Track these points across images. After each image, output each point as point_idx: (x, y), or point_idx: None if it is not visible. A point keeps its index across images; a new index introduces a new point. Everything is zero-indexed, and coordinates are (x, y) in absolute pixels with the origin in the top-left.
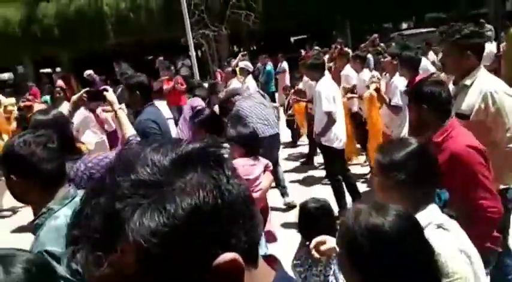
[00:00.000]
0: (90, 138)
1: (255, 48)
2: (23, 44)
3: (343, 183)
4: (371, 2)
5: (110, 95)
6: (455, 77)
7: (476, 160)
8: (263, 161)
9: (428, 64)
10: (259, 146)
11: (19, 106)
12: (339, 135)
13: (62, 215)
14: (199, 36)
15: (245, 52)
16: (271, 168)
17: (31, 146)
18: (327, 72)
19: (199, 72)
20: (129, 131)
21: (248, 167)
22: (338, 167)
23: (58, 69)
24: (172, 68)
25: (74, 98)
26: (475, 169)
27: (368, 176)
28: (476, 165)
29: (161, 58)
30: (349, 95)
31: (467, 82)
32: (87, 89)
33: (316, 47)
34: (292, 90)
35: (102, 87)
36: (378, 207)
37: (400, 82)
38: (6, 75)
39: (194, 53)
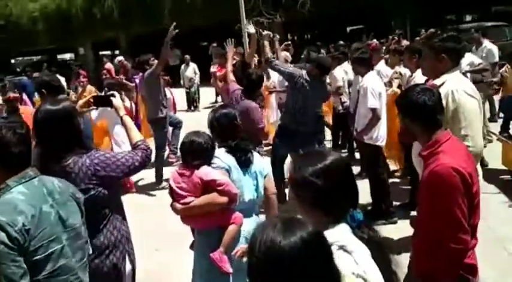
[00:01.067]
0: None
1: (309, 36)
2: (84, 26)
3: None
4: None
5: (117, 100)
6: (430, 78)
7: (455, 186)
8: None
9: (475, 58)
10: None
11: (7, 98)
12: (382, 133)
13: (15, 191)
14: (253, 23)
15: (289, 42)
16: (224, 187)
17: (2, 131)
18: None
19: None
20: (137, 136)
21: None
22: (381, 166)
23: (117, 51)
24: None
25: (80, 103)
26: (451, 195)
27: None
28: (454, 191)
29: (215, 44)
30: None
31: (438, 82)
32: (94, 94)
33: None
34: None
35: (109, 93)
36: (287, 222)
37: (420, 79)
38: (67, 56)
39: (247, 40)
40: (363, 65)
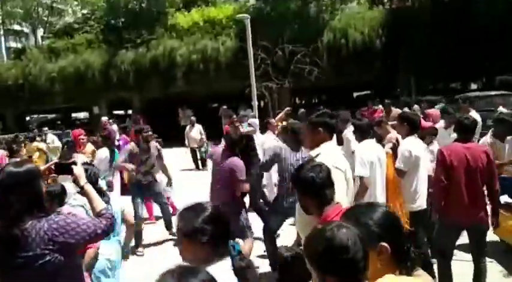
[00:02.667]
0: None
1: (316, 101)
2: (100, 88)
3: None
4: (438, 61)
5: (78, 169)
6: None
7: None
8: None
9: None
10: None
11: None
12: (380, 201)
13: None
14: (263, 88)
15: (290, 108)
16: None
17: None
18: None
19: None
20: (100, 205)
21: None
22: None
23: (129, 111)
24: (234, 116)
25: (42, 169)
26: None
27: None
28: None
29: (224, 107)
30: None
31: (313, 153)
32: (56, 161)
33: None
34: None
35: (71, 160)
36: (183, 270)
37: (408, 145)
38: (82, 115)
39: (257, 103)
40: (357, 132)
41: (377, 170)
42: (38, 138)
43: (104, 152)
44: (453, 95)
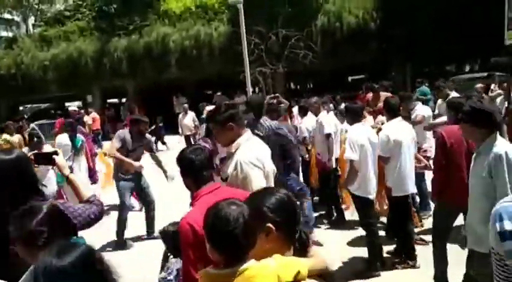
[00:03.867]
0: None
1: (311, 85)
2: (93, 75)
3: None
4: (433, 43)
5: (60, 159)
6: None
7: (186, 240)
8: None
9: (427, 111)
10: None
11: None
12: (372, 185)
13: None
14: (256, 73)
15: (277, 94)
16: None
17: None
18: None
19: None
20: (87, 193)
21: None
22: (372, 217)
23: (123, 99)
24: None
25: None
26: (183, 248)
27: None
28: (185, 245)
29: (219, 93)
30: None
31: (232, 150)
32: (35, 151)
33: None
34: None
35: (53, 150)
36: (61, 247)
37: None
38: (75, 104)
39: (251, 89)
40: (349, 115)
41: (368, 153)
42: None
43: (63, 138)
44: (447, 77)
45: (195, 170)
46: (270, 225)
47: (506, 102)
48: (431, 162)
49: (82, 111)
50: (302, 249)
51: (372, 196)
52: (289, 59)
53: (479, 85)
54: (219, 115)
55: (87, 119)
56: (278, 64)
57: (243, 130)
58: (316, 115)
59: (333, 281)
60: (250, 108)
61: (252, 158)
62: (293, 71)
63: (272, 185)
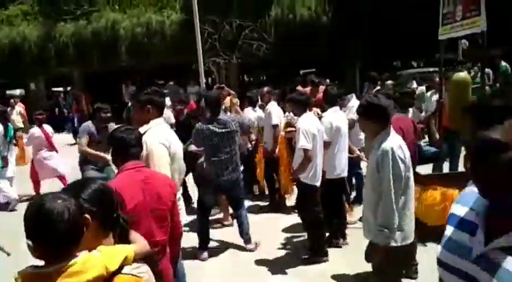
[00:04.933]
0: None
1: (264, 78)
2: (37, 62)
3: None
4: (381, 39)
5: None
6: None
7: None
8: None
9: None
10: None
11: None
12: (318, 173)
13: None
14: (210, 63)
15: (222, 85)
16: None
17: None
18: None
19: None
20: None
21: None
22: (318, 205)
23: (69, 88)
24: (182, 91)
25: None
26: None
27: None
28: None
29: (171, 83)
30: (289, 128)
31: (143, 130)
32: None
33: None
34: None
35: None
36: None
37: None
38: (17, 92)
39: (204, 80)
40: (299, 106)
41: (318, 142)
42: None
43: None
44: (395, 72)
45: (124, 146)
46: (86, 216)
47: (437, 96)
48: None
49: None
50: (123, 235)
51: (318, 183)
52: (243, 49)
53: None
54: (141, 95)
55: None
56: (232, 55)
57: (158, 117)
58: (266, 105)
59: (155, 263)
60: (207, 104)
61: (158, 137)
62: (247, 63)
63: (180, 165)
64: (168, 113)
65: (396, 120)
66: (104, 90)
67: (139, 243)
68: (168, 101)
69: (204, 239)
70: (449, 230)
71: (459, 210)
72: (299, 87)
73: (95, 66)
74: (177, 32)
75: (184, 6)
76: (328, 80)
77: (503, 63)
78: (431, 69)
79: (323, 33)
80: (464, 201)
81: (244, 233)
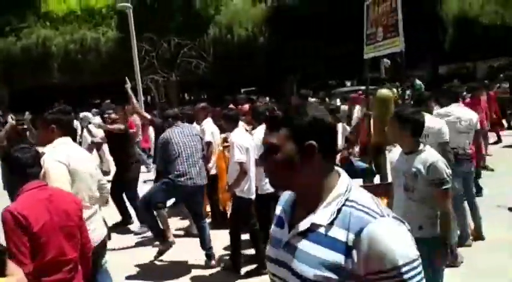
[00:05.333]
0: None
1: (205, 96)
2: None
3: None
4: (317, 61)
5: None
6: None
7: (9, 226)
8: None
9: None
10: None
11: None
12: (253, 186)
13: None
14: (148, 81)
15: (163, 100)
16: None
17: None
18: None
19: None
20: None
21: None
22: (254, 217)
23: None
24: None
25: None
26: (8, 234)
27: None
28: (9, 231)
29: (108, 101)
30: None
31: (46, 150)
32: None
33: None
34: None
35: None
36: None
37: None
38: None
39: (143, 98)
40: (230, 122)
41: (251, 156)
42: None
43: None
44: (330, 90)
45: (21, 167)
46: None
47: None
48: None
49: None
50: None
51: (253, 197)
52: (182, 67)
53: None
54: (47, 114)
55: None
56: (171, 72)
57: (63, 135)
58: (202, 121)
59: None
60: (165, 119)
61: (57, 155)
62: (186, 81)
63: (89, 185)
64: (95, 130)
65: None
66: (34, 107)
67: (16, 276)
68: (98, 119)
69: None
70: (271, 229)
71: (277, 209)
72: (231, 106)
73: (25, 84)
74: (113, 49)
75: (120, 24)
76: (267, 98)
77: (418, 82)
78: (362, 87)
79: (260, 53)
80: (280, 201)
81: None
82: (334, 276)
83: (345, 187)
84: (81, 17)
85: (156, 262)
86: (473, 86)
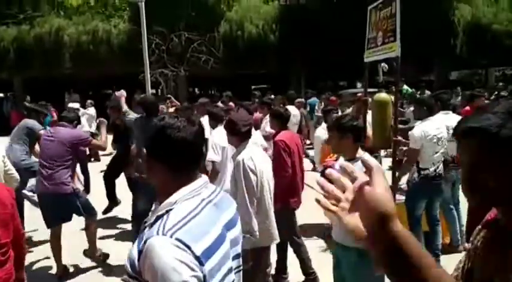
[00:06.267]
0: None
1: (214, 92)
2: None
3: None
4: (327, 61)
5: None
6: None
7: None
8: None
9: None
10: None
11: None
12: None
13: None
14: (157, 74)
15: (168, 95)
16: None
17: None
18: None
19: None
20: None
21: None
22: None
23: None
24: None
25: None
26: None
27: None
28: None
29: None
30: None
31: None
32: None
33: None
34: None
35: None
36: None
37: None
38: None
39: (151, 91)
40: (212, 119)
41: (229, 156)
42: None
43: None
44: (338, 91)
45: None
46: None
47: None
48: None
49: None
50: None
51: None
52: (191, 62)
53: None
54: None
55: None
56: (180, 67)
57: None
58: (202, 117)
59: None
60: (144, 107)
61: None
62: (195, 75)
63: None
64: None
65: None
66: (46, 97)
67: None
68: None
69: None
70: None
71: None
72: (219, 104)
73: (37, 72)
74: (124, 42)
75: (132, 16)
76: (273, 96)
77: (405, 87)
78: (370, 90)
79: (270, 51)
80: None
81: None
82: (129, 270)
83: (176, 199)
84: (95, 8)
85: None
86: (474, 94)
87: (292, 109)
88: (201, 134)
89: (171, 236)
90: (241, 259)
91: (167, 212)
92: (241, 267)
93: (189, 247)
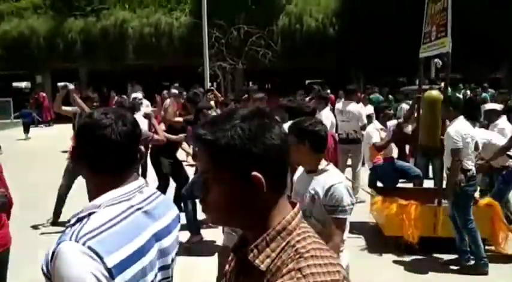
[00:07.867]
0: None
1: (269, 86)
2: (45, 55)
3: None
4: (387, 57)
5: None
6: None
7: None
8: None
9: None
10: None
11: None
12: None
13: None
14: (216, 67)
15: (212, 88)
16: None
17: None
18: None
19: None
20: None
21: None
22: None
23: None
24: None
25: None
26: None
27: None
28: None
29: (176, 84)
30: None
31: None
32: None
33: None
34: None
35: None
36: None
37: None
38: (23, 84)
39: (210, 84)
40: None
41: None
42: None
43: None
44: (398, 88)
45: None
46: None
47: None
48: None
49: None
50: None
51: None
52: (249, 56)
53: None
54: None
55: None
56: (238, 60)
57: None
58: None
59: None
60: (193, 104)
61: None
62: (252, 69)
63: None
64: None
65: None
66: (109, 87)
67: None
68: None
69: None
70: None
71: None
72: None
73: (101, 64)
74: (184, 34)
75: (194, 9)
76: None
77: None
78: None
79: (329, 45)
80: None
81: None
82: (44, 267)
83: (100, 202)
84: (157, 2)
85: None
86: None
87: (353, 106)
88: (132, 133)
89: (83, 244)
90: (170, 270)
91: (89, 215)
92: (170, 279)
93: (101, 258)
